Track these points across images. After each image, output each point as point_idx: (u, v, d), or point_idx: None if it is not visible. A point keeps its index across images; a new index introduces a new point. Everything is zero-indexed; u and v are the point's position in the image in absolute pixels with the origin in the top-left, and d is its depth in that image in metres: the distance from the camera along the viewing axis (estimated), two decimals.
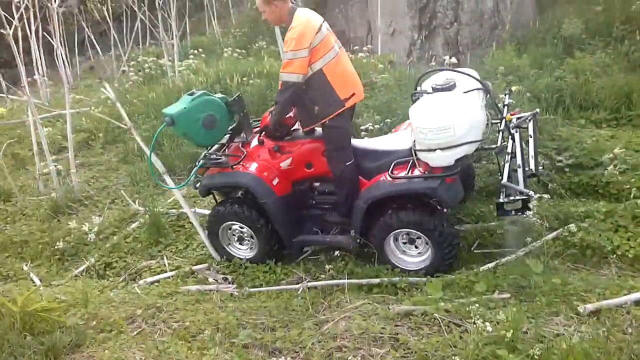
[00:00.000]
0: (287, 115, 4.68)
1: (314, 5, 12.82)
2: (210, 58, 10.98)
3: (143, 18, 13.14)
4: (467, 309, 3.48)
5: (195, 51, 10.47)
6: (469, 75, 4.37)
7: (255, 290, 4.49)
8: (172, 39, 10.41)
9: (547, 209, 4.57)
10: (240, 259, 4.95)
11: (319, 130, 4.69)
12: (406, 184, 4.22)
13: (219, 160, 4.80)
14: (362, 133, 6.34)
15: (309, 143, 4.77)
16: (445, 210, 4.32)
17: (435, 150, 4.00)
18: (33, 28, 11.85)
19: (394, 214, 4.29)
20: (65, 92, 7.54)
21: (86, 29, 15.65)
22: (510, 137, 4.37)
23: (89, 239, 5.50)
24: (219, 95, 4.87)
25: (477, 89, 4.33)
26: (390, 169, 4.27)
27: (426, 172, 4.15)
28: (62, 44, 14.62)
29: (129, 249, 5.58)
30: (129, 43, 15.10)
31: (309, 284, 4.35)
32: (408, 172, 4.21)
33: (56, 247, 5.58)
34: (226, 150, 4.91)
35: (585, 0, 8.78)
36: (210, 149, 4.92)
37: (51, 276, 5.39)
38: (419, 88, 4.64)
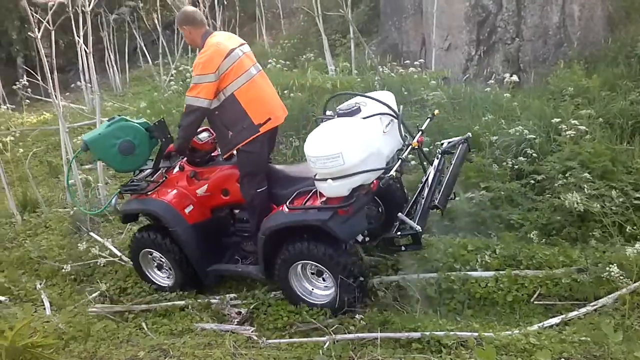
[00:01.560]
0: (205, 141, 4.67)
1: (366, 17, 12.39)
2: None
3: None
4: None
5: None
6: (376, 100, 4.15)
7: (275, 342, 3.86)
8: None
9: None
10: (162, 286, 4.83)
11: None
12: (299, 215, 4.03)
13: (135, 187, 4.77)
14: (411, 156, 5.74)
15: (225, 169, 4.65)
16: (346, 243, 4.05)
17: (327, 179, 3.77)
18: (82, 33, 11.75)
19: (291, 245, 4.07)
20: (97, 100, 7.20)
21: (137, 37, 15.61)
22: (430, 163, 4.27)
23: (99, 263, 5.04)
24: (140, 120, 4.77)
25: (382, 114, 4.09)
26: (291, 198, 4.07)
27: (321, 203, 3.92)
28: (113, 51, 14.63)
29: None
30: (178, 52, 14.95)
31: (338, 337, 3.70)
32: (305, 203, 4.01)
33: (64, 270, 5.15)
34: (151, 176, 4.84)
35: None
36: (137, 174, 4.91)
37: (63, 299, 4.96)
38: (327, 112, 4.47)
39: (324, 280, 4.20)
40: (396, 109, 4.23)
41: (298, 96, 7.01)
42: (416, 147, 4.04)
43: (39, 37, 6.20)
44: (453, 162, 4.29)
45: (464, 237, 4.74)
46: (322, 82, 7.47)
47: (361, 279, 4.02)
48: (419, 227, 3.70)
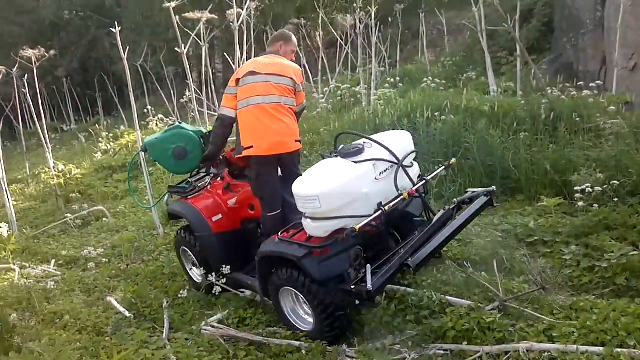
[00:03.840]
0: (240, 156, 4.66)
1: (538, 33, 11.31)
2: (413, 87, 10.05)
3: (344, 45, 12.68)
4: None
5: (392, 79, 9.59)
6: (378, 143, 3.99)
7: None
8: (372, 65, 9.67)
9: None
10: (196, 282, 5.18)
11: None
12: (282, 247, 4.01)
13: (178, 189, 5.18)
14: (577, 195, 4.85)
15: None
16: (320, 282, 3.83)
17: (307, 218, 3.83)
18: (245, 49, 12.05)
19: (280, 270, 4.06)
20: None
21: (301, 54, 15.84)
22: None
23: (214, 292, 4.77)
24: (196, 129, 5.16)
25: (377, 159, 3.90)
26: (287, 228, 4.14)
27: (306, 240, 3.89)
28: None
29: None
30: (337, 70, 14.90)
31: None
32: (293, 236, 4.01)
33: (180, 295, 4.97)
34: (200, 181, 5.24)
35: None
36: (193, 177, 5.29)
37: (184, 322, 4.78)
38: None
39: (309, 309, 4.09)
40: (410, 151, 4.12)
41: (450, 119, 6.35)
42: (406, 198, 3.88)
43: (184, 52, 6.21)
44: (457, 216, 4.02)
45: None
46: (479, 104, 6.75)
47: (341, 319, 3.93)
48: (370, 287, 3.41)
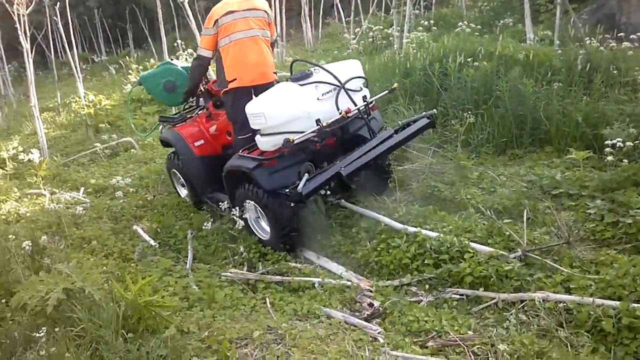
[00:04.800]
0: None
1: None
2: (448, 31, 9.78)
3: None
4: None
5: (426, 22, 9.33)
6: (324, 69, 4.61)
7: (400, 355, 3.27)
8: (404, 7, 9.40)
9: None
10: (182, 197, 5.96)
11: None
12: (239, 161, 4.53)
13: (168, 119, 6.00)
14: (607, 149, 4.77)
15: None
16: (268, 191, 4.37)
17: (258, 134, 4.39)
18: None
19: (243, 185, 4.64)
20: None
21: None
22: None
23: (237, 225, 4.83)
24: (186, 65, 5.78)
25: (319, 82, 4.49)
26: (249, 146, 4.61)
27: (260, 154, 4.39)
28: (309, 6, 14.66)
29: None
30: (370, 10, 14.55)
31: None
32: (250, 152, 4.51)
33: (204, 227, 5.07)
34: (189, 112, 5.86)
35: None
36: (185, 109, 6.00)
37: (207, 254, 4.88)
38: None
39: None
40: (359, 77, 4.69)
41: (483, 66, 6.20)
42: (345, 117, 4.42)
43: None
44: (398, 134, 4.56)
45: None
46: (514, 52, 6.56)
47: (292, 232, 4.53)
48: (300, 189, 3.96)
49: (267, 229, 4.68)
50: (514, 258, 3.90)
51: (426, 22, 9.71)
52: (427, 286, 3.96)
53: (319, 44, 14.74)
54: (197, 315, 3.60)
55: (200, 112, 5.68)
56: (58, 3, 10.79)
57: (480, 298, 3.73)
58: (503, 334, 3.32)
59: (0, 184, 6.99)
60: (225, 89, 5.00)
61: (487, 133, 5.79)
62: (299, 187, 3.97)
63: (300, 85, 4.44)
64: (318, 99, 4.47)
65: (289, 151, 4.29)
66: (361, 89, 4.73)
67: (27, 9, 8.27)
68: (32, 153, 6.49)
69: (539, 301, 3.46)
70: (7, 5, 8.35)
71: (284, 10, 13.51)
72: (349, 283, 4.06)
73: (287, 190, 4.11)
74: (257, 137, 4.38)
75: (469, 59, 6.39)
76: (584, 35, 6.87)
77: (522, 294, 3.62)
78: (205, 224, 5.01)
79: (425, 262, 4.04)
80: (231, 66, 4.92)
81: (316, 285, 4.08)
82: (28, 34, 8.28)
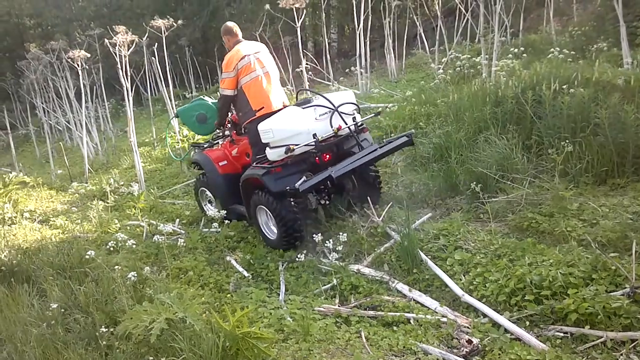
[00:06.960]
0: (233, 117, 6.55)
1: None
2: (538, 58, 9.53)
3: (465, 12, 12.17)
4: None
5: (515, 50, 9.12)
6: (322, 95, 5.72)
7: None
8: (494, 35, 9.24)
9: None
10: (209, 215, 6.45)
11: None
12: (253, 170, 5.54)
13: (198, 145, 7.10)
14: None
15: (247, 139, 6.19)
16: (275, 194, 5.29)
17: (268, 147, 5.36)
18: (362, 19, 11.99)
19: (256, 193, 5.63)
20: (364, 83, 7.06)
21: (418, 23, 15.47)
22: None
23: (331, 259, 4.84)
24: (214, 100, 6.66)
25: (315, 105, 5.55)
26: (261, 160, 5.60)
27: (267, 164, 5.39)
28: (393, 37, 14.72)
29: (380, 275, 4.79)
30: (455, 39, 14.42)
31: None
32: (262, 163, 5.51)
33: (297, 259, 5.10)
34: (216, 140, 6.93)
35: None
36: (214, 138, 6.99)
37: (299, 285, 4.92)
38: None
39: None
40: (345, 102, 5.60)
41: (579, 92, 5.95)
42: (336, 133, 5.44)
43: (299, 25, 6.23)
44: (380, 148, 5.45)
45: None
46: (612, 77, 6.27)
47: (294, 233, 5.44)
48: (297, 186, 4.98)
49: (275, 230, 5.59)
50: (622, 295, 3.68)
51: (515, 50, 9.48)
52: (527, 322, 3.80)
53: (403, 74, 14.72)
54: (293, 347, 3.62)
55: (224, 140, 6.70)
56: (156, 44, 11.40)
57: (587, 336, 3.53)
58: None
59: (103, 215, 7.37)
60: (252, 118, 5.79)
61: (586, 162, 5.53)
62: (296, 185, 4.98)
63: (302, 108, 5.48)
64: (316, 118, 5.47)
65: (292, 161, 5.31)
66: (353, 114, 5.66)
67: (128, 50, 8.79)
68: (131, 186, 6.83)
69: None
70: (110, 47, 8.91)
71: (368, 43, 13.62)
72: (445, 319, 3.97)
73: (288, 187, 5.02)
74: (267, 150, 5.34)
75: (564, 86, 6.15)
76: None
77: (633, 332, 3.40)
78: (298, 255, 5.05)
79: (526, 297, 3.88)
80: (255, 97, 5.82)
81: (411, 321, 4.01)
82: (128, 74, 8.78)
